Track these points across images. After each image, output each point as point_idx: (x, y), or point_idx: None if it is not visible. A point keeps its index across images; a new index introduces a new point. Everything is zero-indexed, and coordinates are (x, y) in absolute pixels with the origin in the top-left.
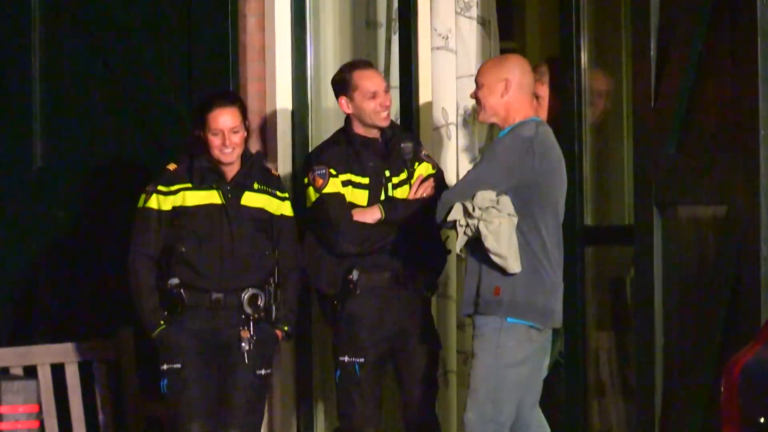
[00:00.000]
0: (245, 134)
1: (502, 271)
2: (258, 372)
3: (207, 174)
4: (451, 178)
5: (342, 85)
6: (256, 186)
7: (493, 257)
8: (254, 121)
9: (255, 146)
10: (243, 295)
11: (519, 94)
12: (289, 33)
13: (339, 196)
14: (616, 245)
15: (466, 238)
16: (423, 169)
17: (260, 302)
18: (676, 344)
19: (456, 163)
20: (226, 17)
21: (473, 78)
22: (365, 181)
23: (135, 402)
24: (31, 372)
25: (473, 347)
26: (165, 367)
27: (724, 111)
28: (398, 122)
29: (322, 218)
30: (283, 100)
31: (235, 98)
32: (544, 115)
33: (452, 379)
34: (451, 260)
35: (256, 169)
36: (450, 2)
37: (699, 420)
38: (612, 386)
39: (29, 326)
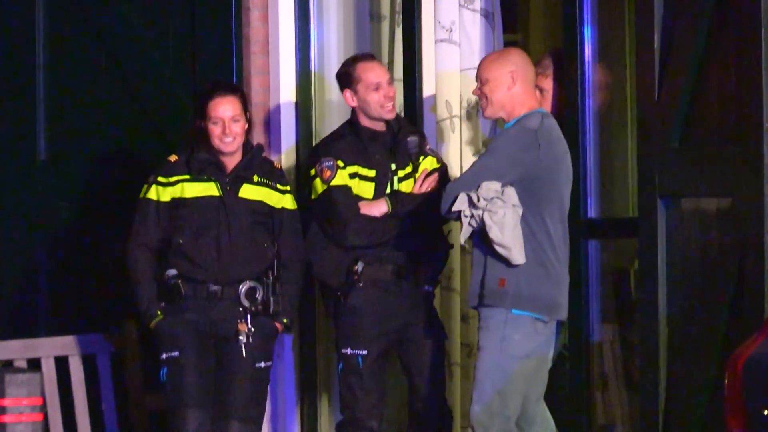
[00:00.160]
0: (246, 125)
1: (507, 262)
2: (257, 365)
3: (206, 166)
4: (454, 171)
5: (346, 78)
6: (255, 179)
7: (497, 248)
8: (258, 114)
9: (258, 139)
10: (240, 287)
11: (523, 86)
12: (292, 26)
13: (346, 189)
14: (619, 238)
15: (470, 229)
16: (428, 163)
17: (258, 295)
18: (679, 337)
19: (460, 156)
20: (230, 10)
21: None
22: (372, 173)
23: (138, 394)
24: (35, 364)
25: (479, 340)
26: (164, 356)
27: (728, 103)
28: (402, 115)
29: (329, 210)
30: (287, 93)
31: (236, 88)
32: (548, 108)
33: (456, 372)
34: (455, 253)
35: (256, 162)
36: None
37: (703, 412)
38: (616, 379)
39: (33, 319)
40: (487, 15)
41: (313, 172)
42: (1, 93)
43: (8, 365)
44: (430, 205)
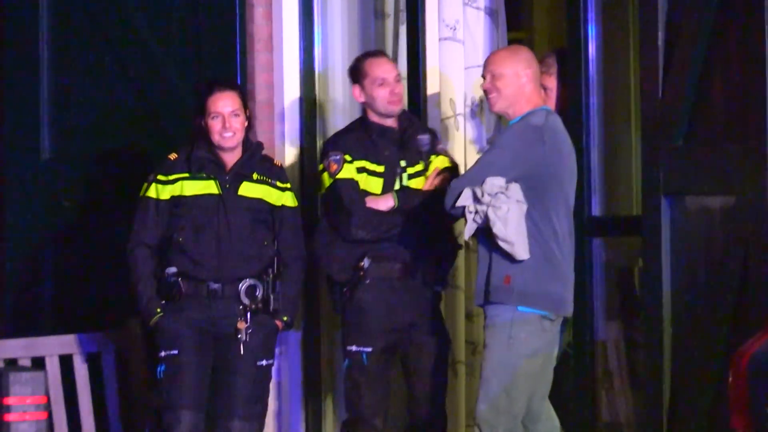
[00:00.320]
0: (245, 122)
1: (512, 259)
2: (259, 363)
3: (205, 164)
4: (459, 169)
5: (355, 73)
6: (255, 176)
7: (500, 243)
8: (262, 111)
9: (262, 136)
10: (240, 285)
11: (532, 83)
12: (296, 23)
13: (352, 182)
14: (624, 236)
15: (475, 225)
16: (440, 162)
17: (258, 293)
18: (684, 334)
19: (464, 154)
20: (234, 7)
21: (482, 69)
22: (380, 169)
23: (142, 393)
24: (39, 363)
25: (485, 338)
26: (163, 354)
27: (732, 101)
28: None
29: (335, 203)
30: (291, 90)
31: (235, 84)
32: (551, 106)
33: (461, 370)
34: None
35: (255, 159)
36: None
37: (707, 410)
38: (620, 377)
39: (37, 317)
40: (491, 13)
41: (321, 166)
42: (5, 91)
43: (12, 364)
44: (438, 202)
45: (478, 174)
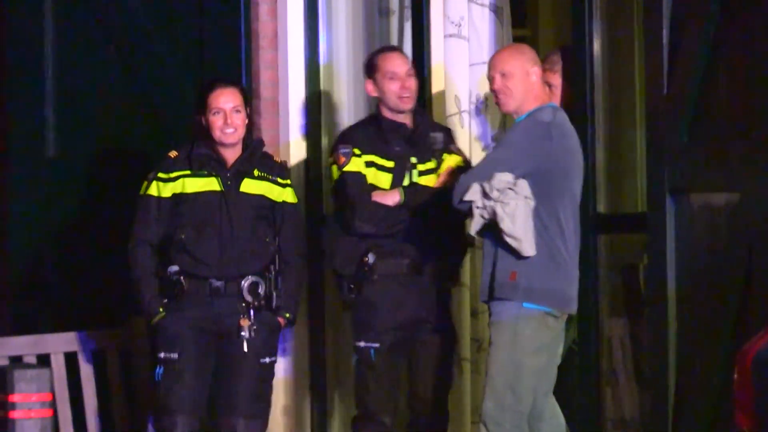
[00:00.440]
0: (246, 119)
1: (518, 255)
2: (262, 360)
3: (207, 161)
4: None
5: (368, 67)
6: (256, 173)
7: (507, 239)
8: (266, 108)
9: (267, 133)
10: (243, 282)
11: (540, 80)
12: (301, 20)
13: (358, 175)
14: (629, 233)
15: (482, 221)
16: (452, 161)
17: (260, 290)
18: (689, 332)
19: (469, 151)
20: (239, 5)
21: (486, 66)
22: (389, 164)
23: (147, 390)
24: (44, 360)
25: (490, 335)
26: (162, 355)
27: (737, 98)
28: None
29: (341, 196)
30: (296, 87)
31: (236, 80)
32: (556, 103)
33: (466, 367)
34: None
35: (256, 156)
36: None
37: (712, 407)
38: (625, 374)
39: (42, 315)
40: (495, 10)
41: (331, 159)
42: (10, 90)
43: (17, 361)
44: (446, 200)
45: (486, 170)
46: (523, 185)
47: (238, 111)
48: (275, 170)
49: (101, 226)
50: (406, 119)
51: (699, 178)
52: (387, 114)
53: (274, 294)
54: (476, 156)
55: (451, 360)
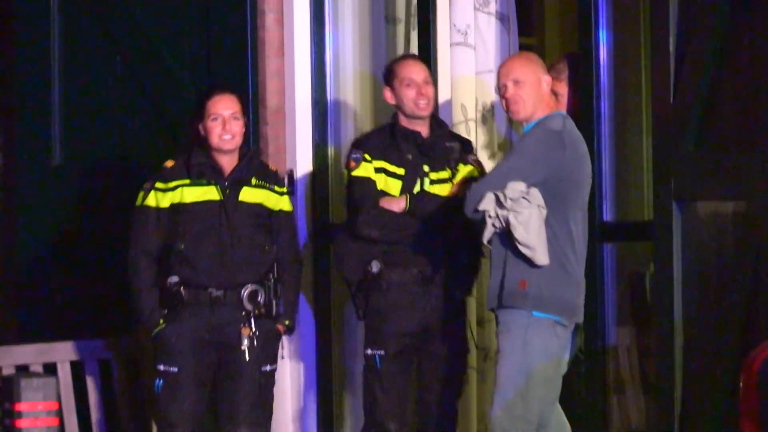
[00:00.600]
0: (244, 128)
1: (528, 264)
2: (263, 369)
3: (205, 170)
4: None
5: (386, 75)
6: (254, 181)
7: (521, 248)
8: (273, 117)
9: (274, 142)
10: (243, 291)
11: (548, 88)
12: (308, 29)
13: (366, 180)
14: (635, 241)
15: (493, 229)
16: (467, 172)
17: (260, 298)
18: (695, 340)
19: None
20: (245, 13)
21: (494, 74)
22: (400, 171)
23: (153, 399)
24: (51, 369)
25: (499, 343)
26: (162, 368)
27: (744, 106)
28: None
29: (348, 200)
30: (302, 96)
31: (234, 90)
32: (563, 111)
33: (472, 376)
34: None
35: (253, 164)
36: None
37: (719, 415)
38: (632, 383)
39: (49, 323)
40: (502, 18)
41: (344, 165)
42: (17, 98)
43: (24, 370)
44: (455, 210)
45: (499, 179)
46: (536, 194)
47: (236, 118)
48: (272, 178)
49: (107, 235)
50: (421, 127)
51: (705, 186)
52: (403, 122)
53: (274, 302)
54: (483, 164)
55: (461, 371)
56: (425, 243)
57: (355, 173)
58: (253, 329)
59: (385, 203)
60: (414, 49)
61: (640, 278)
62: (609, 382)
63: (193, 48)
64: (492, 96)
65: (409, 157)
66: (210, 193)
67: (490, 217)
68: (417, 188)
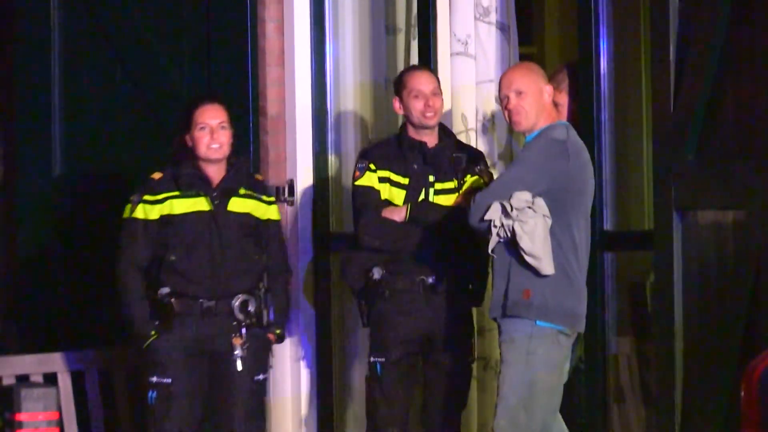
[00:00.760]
0: (231, 139)
1: (531, 273)
2: (256, 378)
3: (193, 181)
4: None
5: (396, 85)
6: (242, 191)
7: (527, 258)
8: (273, 125)
9: (274, 151)
10: (234, 301)
11: (549, 98)
12: (308, 38)
13: (369, 189)
14: (636, 250)
15: (498, 239)
16: (473, 182)
17: (251, 308)
18: (695, 349)
19: None
20: (246, 22)
21: (494, 84)
22: (404, 181)
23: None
24: (51, 379)
25: (502, 353)
26: (154, 379)
27: (744, 116)
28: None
29: (353, 209)
30: (303, 104)
31: (221, 99)
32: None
33: (473, 385)
34: None
35: (241, 174)
36: (469, 7)
37: (719, 425)
38: (632, 392)
39: (49, 333)
40: (502, 28)
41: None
42: (18, 108)
43: (24, 380)
44: (456, 219)
45: (504, 189)
46: (541, 204)
47: (224, 127)
48: (259, 188)
49: (109, 245)
50: (428, 138)
51: (706, 195)
52: (410, 132)
53: (264, 311)
54: None
55: (463, 382)
56: (429, 252)
57: (358, 183)
58: (244, 339)
59: (386, 213)
60: (414, 58)
61: (640, 287)
62: (609, 391)
63: (194, 57)
64: (492, 106)
65: (415, 166)
66: (199, 204)
67: (495, 227)
68: (421, 198)
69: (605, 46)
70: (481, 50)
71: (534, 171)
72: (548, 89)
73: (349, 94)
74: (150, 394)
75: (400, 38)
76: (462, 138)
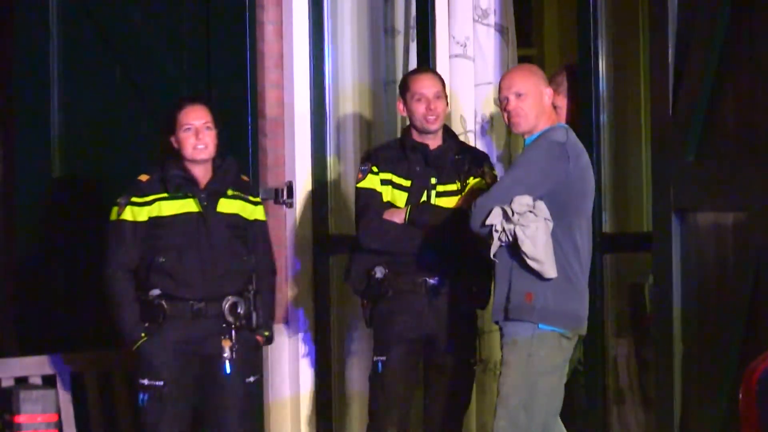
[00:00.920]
0: (216, 139)
1: (534, 276)
2: (247, 380)
3: (181, 182)
4: None
5: (401, 87)
6: (230, 192)
7: (530, 262)
8: (272, 128)
9: (273, 153)
10: (224, 303)
11: (549, 100)
12: (307, 41)
13: (370, 191)
14: (635, 252)
15: (499, 243)
16: (475, 184)
17: (240, 310)
18: (695, 351)
19: None
20: (244, 25)
21: (493, 86)
22: (406, 183)
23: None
24: (50, 381)
25: (503, 355)
26: (145, 382)
27: (743, 118)
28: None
29: (355, 211)
30: (301, 107)
31: (204, 100)
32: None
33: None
34: None
35: (229, 175)
36: (468, 10)
37: (718, 426)
38: (631, 393)
39: (48, 335)
40: (501, 30)
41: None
42: (16, 110)
43: (23, 382)
44: (456, 221)
45: (505, 192)
46: (542, 207)
47: (209, 128)
48: (246, 189)
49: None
50: (431, 140)
51: (705, 197)
52: (413, 134)
53: (254, 313)
54: None
55: (465, 385)
56: (431, 254)
57: (360, 185)
58: (233, 342)
59: (387, 215)
60: (413, 60)
61: (639, 289)
62: (608, 393)
63: (193, 59)
64: (491, 108)
65: (417, 168)
66: (188, 205)
67: (496, 231)
68: (422, 200)
69: (604, 48)
70: (480, 52)
71: (534, 174)
72: (548, 92)
73: (348, 96)
74: (141, 396)
75: (399, 40)
76: (461, 140)
